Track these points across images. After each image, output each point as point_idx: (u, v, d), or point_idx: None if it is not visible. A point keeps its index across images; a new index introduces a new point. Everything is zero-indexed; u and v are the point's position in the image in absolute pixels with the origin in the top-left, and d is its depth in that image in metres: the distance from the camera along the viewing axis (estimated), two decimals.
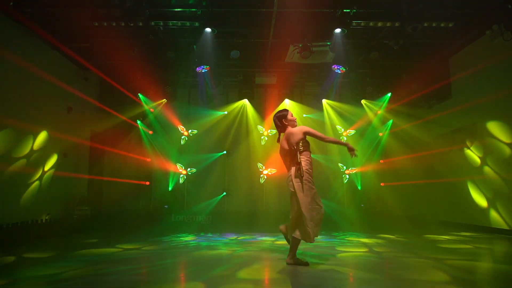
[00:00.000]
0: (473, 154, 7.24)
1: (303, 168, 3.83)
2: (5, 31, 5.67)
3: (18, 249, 5.09)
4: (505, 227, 6.37)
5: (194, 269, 3.97)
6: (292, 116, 4.19)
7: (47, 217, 6.66)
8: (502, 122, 6.44)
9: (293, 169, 3.88)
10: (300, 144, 3.96)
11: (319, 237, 6.34)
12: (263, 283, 3.36)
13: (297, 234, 3.81)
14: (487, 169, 6.84)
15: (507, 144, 6.29)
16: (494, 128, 6.63)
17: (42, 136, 6.56)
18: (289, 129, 4.08)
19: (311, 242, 3.80)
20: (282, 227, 4.15)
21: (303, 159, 3.90)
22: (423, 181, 8.63)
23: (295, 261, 3.93)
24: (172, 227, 8.07)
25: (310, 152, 4.04)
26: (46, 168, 6.74)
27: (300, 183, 3.80)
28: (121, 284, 3.23)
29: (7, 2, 5.48)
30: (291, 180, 3.86)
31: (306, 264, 3.92)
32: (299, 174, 3.80)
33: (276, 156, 9.21)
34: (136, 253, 4.94)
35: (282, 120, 4.14)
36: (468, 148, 7.37)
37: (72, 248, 5.38)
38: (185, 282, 3.44)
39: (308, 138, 4.09)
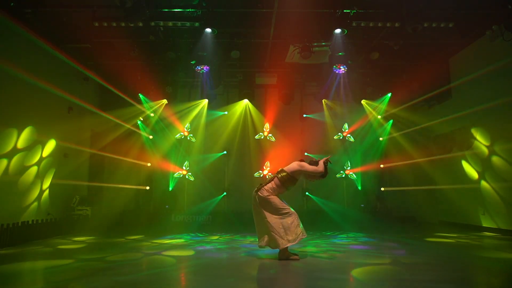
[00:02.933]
0: (473, 154, 7.24)
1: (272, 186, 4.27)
2: (5, 31, 5.68)
3: (18, 249, 5.11)
4: (505, 226, 6.37)
5: (194, 269, 3.97)
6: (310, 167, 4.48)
7: (47, 217, 6.67)
8: (502, 122, 6.44)
9: (269, 184, 4.29)
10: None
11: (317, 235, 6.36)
12: (263, 283, 3.36)
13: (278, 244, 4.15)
14: (487, 167, 6.84)
15: (507, 144, 6.29)
16: (494, 128, 6.64)
17: (42, 136, 6.57)
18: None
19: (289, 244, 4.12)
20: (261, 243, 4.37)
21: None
22: (423, 187, 8.63)
23: (287, 255, 4.20)
24: (173, 227, 8.07)
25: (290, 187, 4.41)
26: (46, 168, 6.75)
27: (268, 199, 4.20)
28: (122, 284, 3.24)
29: (7, 3, 5.49)
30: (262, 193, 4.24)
31: (296, 257, 4.22)
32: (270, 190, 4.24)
33: (275, 156, 9.35)
34: (136, 252, 4.95)
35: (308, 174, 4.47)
36: (469, 147, 7.36)
37: (73, 248, 5.39)
38: (186, 282, 3.45)
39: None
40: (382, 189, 9.40)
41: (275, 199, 4.22)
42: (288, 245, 4.10)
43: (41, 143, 6.55)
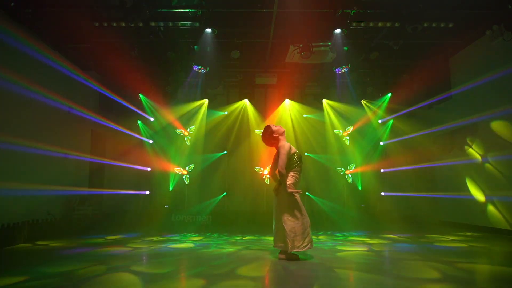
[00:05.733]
0: (474, 153, 7.24)
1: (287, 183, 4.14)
2: (5, 31, 5.69)
3: (20, 249, 5.12)
4: (506, 227, 6.37)
5: (194, 267, 3.98)
6: (275, 126, 4.42)
7: (48, 217, 6.68)
8: (502, 122, 6.44)
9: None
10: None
11: (319, 236, 6.36)
12: (262, 282, 3.37)
13: (280, 245, 4.20)
14: (487, 168, 6.84)
15: (507, 144, 6.29)
16: (494, 128, 6.64)
17: (43, 136, 6.57)
18: (280, 143, 4.33)
19: (297, 250, 4.01)
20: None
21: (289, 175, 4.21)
22: (424, 193, 8.63)
23: (287, 256, 4.15)
24: (173, 227, 8.08)
25: (297, 169, 4.27)
26: (47, 168, 6.76)
27: (282, 195, 4.16)
28: (121, 283, 3.25)
29: (8, 3, 5.50)
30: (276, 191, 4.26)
31: (297, 258, 4.13)
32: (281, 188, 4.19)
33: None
34: (136, 252, 4.96)
35: (272, 136, 4.36)
36: (469, 147, 7.37)
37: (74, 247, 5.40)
38: (186, 280, 3.46)
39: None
40: (382, 193, 9.42)
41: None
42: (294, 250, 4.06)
43: (41, 143, 6.56)
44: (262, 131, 4.50)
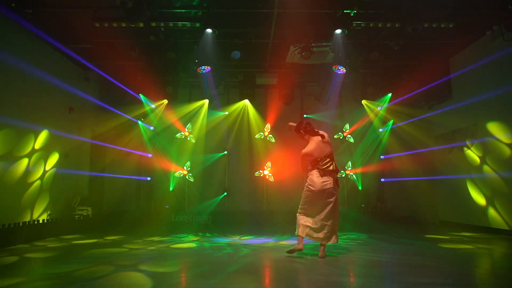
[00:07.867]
0: (473, 154, 7.25)
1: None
2: (6, 32, 5.70)
3: (20, 249, 5.12)
4: (505, 227, 6.37)
5: (195, 267, 3.98)
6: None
7: (48, 217, 6.69)
8: (502, 122, 6.45)
9: (335, 175, 4.33)
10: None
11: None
12: (263, 282, 3.37)
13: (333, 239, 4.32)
14: (486, 169, 6.85)
15: (507, 144, 6.30)
16: (494, 128, 6.64)
17: (43, 136, 6.59)
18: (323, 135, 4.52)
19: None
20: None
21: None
22: (423, 178, 8.63)
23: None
24: (173, 227, 8.08)
25: None
26: (47, 168, 6.77)
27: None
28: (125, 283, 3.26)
29: (9, 3, 5.51)
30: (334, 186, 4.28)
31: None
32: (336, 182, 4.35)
33: (276, 156, 9.35)
34: (138, 253, 4.96)
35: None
36: (469, 148, 7.38)
37: (75, 248, 5.40)
38: (186, 283, 3.46)
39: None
40: (382, 179, 9.39)
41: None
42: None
43: (42, 143, 6.57)
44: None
